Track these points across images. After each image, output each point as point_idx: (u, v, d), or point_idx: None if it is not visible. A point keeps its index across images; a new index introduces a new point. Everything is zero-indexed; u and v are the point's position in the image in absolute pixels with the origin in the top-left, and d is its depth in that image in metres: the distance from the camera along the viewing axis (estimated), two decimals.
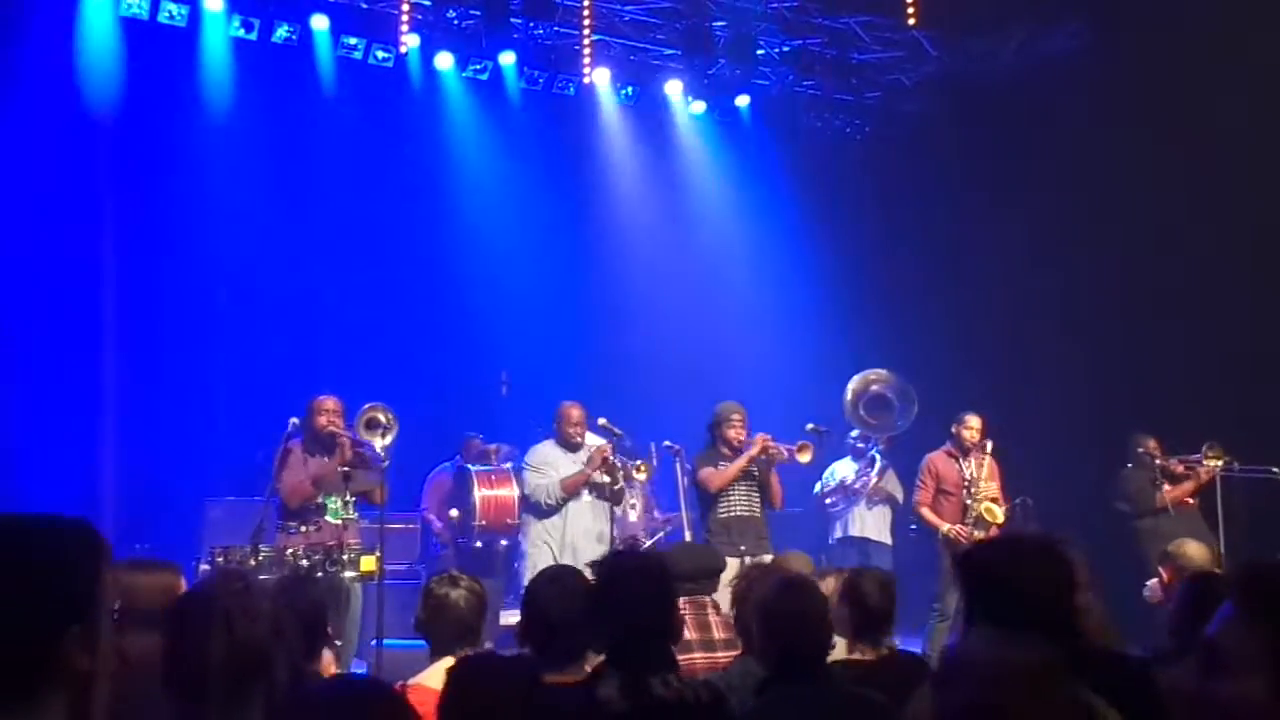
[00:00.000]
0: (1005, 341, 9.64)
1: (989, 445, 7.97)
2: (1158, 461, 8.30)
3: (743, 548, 7.12)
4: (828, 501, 9.16)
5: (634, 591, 2.98)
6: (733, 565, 6.18)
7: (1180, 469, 8.29)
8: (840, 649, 3.68)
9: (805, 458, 7.63)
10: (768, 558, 7.26)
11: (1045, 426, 9.13)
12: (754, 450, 7.40)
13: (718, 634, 4.44)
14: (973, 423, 8.01)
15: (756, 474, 7.52)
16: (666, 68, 10.66)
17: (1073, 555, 2.94)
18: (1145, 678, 2.58)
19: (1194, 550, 5.55)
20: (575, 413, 7.68)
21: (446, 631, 3.64)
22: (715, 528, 7.42)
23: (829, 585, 4.17)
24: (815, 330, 10.56)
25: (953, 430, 8.06)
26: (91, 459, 8.49)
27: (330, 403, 6.84)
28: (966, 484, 7.87)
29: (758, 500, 7.52)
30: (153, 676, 2.30)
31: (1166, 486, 8.24)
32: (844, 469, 9.16)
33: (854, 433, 9.12)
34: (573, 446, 7.68)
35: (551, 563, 6.60)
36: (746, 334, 10.83)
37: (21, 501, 7.29)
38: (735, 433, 7.50)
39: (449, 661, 3.59)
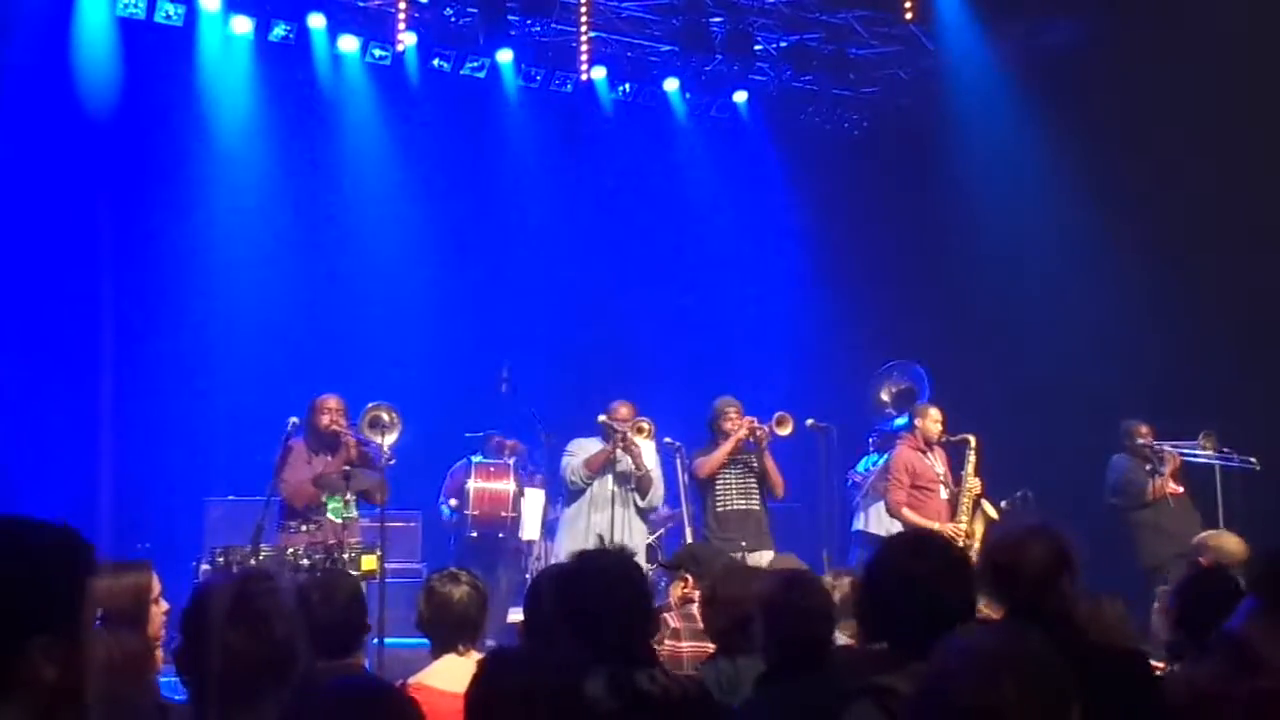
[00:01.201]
0: (1004, 334, 9.63)
1: (972, 441, 7.73)
2: (1153, 449, 8.06)
3: (743, 543, 7.10)
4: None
5: (608, 586, 2.89)
6: None
7: (1175, 456, 8.06)
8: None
9: (784, 430, 7.66)
10: (769, 554, 7.27)
11: (1045, 420, 9.13)
12: (741, 433, 7.43)
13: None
14: (935, 415, 7.81)
15: (754, 465, 7.52)
16: (664, 64, 10.65)
17: (1065, 544, 2.93)
18: (1146, 675, 2.56)
19: (1233, 544, 5.27)
20: (625, 410, 7.70)
21: (448, 629, 3.65)
22: (712, 522, 7.41)
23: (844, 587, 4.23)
24: (814, 325, 10.56)
25: (915, 424, 7.85)
26: (91, 458, 8.47)
27: (333, 401, 6.85)
28: (942, 479, 7.68)
29: (756, 492, 7.50)
30: (131, 678, 2.29)
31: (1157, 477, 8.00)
32: (865, 465, 9.17)
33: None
34: None
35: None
36: (745, 329, 10.83)
37: (20, 502, 7.27)
38: (731, 425, 7.52)
39: (450, 659, 3.60)
